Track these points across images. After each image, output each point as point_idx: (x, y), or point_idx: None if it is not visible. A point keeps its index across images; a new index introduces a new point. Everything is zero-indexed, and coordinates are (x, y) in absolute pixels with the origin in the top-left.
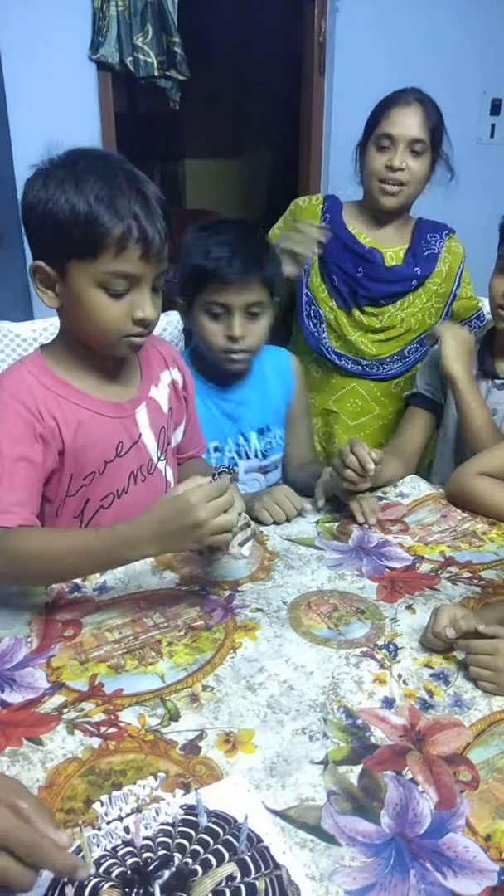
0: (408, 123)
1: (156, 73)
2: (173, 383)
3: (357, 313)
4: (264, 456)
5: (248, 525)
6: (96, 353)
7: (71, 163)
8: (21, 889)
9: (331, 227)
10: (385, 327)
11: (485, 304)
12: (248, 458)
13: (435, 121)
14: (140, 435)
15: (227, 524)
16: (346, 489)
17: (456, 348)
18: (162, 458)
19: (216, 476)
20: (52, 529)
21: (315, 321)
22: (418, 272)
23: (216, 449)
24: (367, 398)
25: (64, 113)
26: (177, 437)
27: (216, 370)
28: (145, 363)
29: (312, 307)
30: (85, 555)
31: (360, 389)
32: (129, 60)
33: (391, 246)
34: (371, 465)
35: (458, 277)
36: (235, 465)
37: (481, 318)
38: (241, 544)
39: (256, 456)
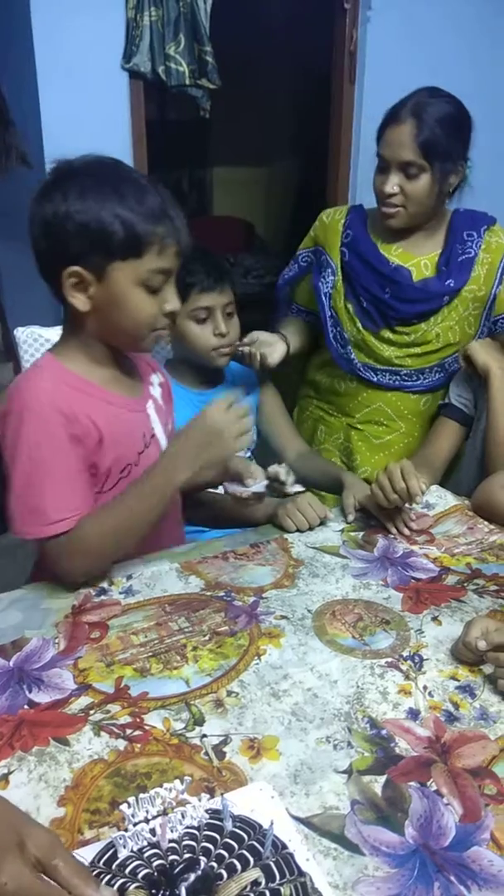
0: (396, 145)
1: (187, 82)
2: (161, 384)
3: (387, 332)
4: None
5: (290, 471)
6: (114, 352)
7: (86, 172)
8: None
9: (354, 243)
10: (419, 342)
11: None
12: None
13: (430, 134)
14: (153, 429)
15: (246, 427)
16: (385, 507)
17: (485, 345)
18: None
19: None
20: (100, 507)
21: (342, 342)
22: (451, 285)
23: None
24: (394, 417)
25: (96, 120)
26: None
27: (197, 376)
28: (140, 367)
29: (338, 328)
30: (143, 504)
31: (387, 409)
32: (161, 69)
33: (422, 254)
34: (420, 498)
35: (499, 274)
36: None
37: None
38: (293, 484)
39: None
